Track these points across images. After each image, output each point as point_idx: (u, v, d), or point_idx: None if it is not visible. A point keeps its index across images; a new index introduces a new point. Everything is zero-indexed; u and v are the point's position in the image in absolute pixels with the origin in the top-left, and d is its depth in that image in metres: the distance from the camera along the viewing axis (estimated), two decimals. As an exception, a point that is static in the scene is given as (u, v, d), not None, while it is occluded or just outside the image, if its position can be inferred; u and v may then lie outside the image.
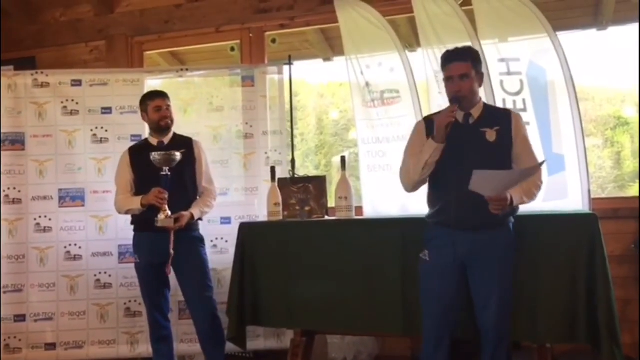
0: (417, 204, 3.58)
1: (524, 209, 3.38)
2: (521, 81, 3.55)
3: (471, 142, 2.63)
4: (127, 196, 3.38)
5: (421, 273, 2.75)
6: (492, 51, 3.59)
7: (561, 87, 3.47)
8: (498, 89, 3.56)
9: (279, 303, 3.23)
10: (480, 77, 2.70)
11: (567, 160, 3.43)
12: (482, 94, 3.47)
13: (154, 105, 3.38)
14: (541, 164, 2.59)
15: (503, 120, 2.67)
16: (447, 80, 2.67)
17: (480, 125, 2.66)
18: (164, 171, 3.17)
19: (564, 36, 3.68)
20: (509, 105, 3.54)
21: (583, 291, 2.64)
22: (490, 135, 2.62)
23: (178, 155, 3.22)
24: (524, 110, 3.52)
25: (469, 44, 3.58)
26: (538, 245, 2.74)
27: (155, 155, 3.16)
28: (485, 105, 2.76)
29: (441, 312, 2.67)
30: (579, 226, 2.72)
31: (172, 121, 3.42)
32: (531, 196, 2.62)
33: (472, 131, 2.65)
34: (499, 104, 3.53)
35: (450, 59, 2.66)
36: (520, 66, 3.56)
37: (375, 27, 3.87)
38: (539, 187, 2.65)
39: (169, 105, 3.42)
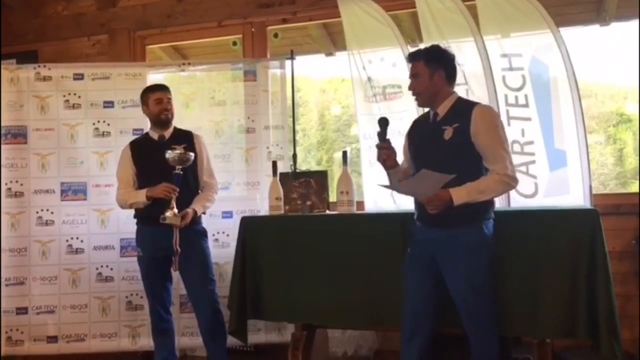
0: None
1: (525, 204, 3.40)
2: (523, 77, 3.55)
3: (432, 140, 2.65)
4: (129, 190, 3.39)
5: (402, 267, 2.79)
6: (494, 47, 3.59)
7: (563, 83, 3.47)
8: (500, 85, 3.56)
9: (280, 297, 3.23)
10: (440, 75, 2.66)
11: (568, 156, 3.43)
12: (484, 88, 3.51)
13: (155, 97, 3.39)
14: (451, 176, 2.49)
15: (464, 116, 2.60)
16: (409, 78, 2.75)
17: (444, 122, 2.64)
18: (177, 170, 3.18)
19: (567, 32, 3.67)
20: (511, 101, 3.54)
21: (583, 286, 2.64)
22: (448, 133, 2.60)
23: (192, 155, 3.24)
24: (526, 105, 3.52)
25: (471, 39, 3.60)
26: (539, 240, 2.73)
27: (170, 154, 3.17)
28: (457, 100, 2.71)
29: (415, 305, 2.71)
30: (580, 222, 2.71)
31: (172, 115, 3.43)
32: (489, 193, 2.55)
33: (435, 129, 2.66)
34: (501, 100, 3.53)
35: (407, 59, 2.77)
36: (522, 62, 3.55)
37: (377, 22, 3.86)
38: (504, 183, 2.57)
39: (169, 99, 3.42)
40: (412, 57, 2.73)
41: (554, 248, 2.70)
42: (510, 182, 2.58)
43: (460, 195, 2.51)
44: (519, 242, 2.74)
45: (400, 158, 2.85)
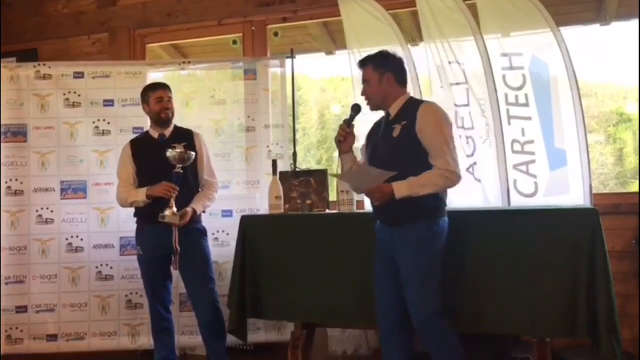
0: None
1: (525, 203, 3.40)
2: (523, 76, 3.54)
3: (384, 139, 2.76)
4: (130, 189, 3.39)
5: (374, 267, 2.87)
6: (494, 46, 3.59)
7: (564, 83, 3.46)
8: (500, 84, 3.55)
9: (280, 296, 3.23)
10: (389, 78, 2.75)
11: (569, 156, 3.43)
12: (484, 87, 3.50)
13: (156, 96, 3.39)
14: (390, 174, 2.58)
15: (412, 114, 2.68)
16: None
17: (394, 122, 2.74)
18: (177, 169, 3.18)
19: (567, 31, 3.67)
20: (511, 100, 3.54)
21: (583, 286, 2.64)
22: (396, 131, 2.70)
23: (193, 154, 3.24)
24: (526, 105, 3.52)
25: (471, 38, 3.59)
26: (539, 239, 2.74)
27: (171, 153, 3.17)
28: (408, 100, 2.78)
29: (383, 302, 2.80)
30: (580, 221, 2.71)
31: (172, 114, 3.42)
32: (430, 187, 2.60)
33: (387, 128, 2.76)
34: (502, 99, 3.52)
35: (358, 66, 2.86)
36: (522, 61, 3.55)
37: (378, 21, 3.86)
38: (444, 178, 2.62)
39: (170, 97, 3.42)
40: (361, 64, 2.83)
41: (554, 248, 2.71)
42: (451, 177, 2.64)
43: (401, 188, 2.60)
44: (519, 241, 2.75)
45: (359, 156, 2.95)
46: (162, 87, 3.44)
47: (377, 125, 2.89)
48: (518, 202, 3.47)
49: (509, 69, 3.57)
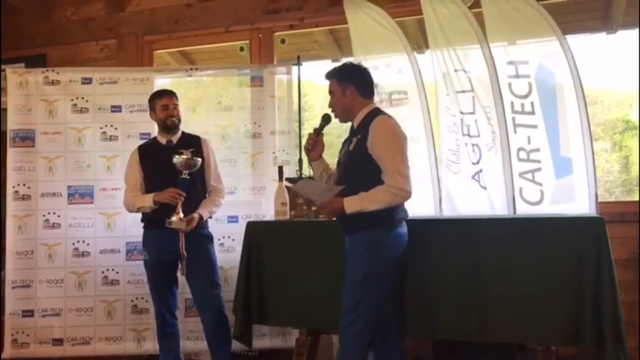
0: (425, 205, 3.62)
1: (531, 211, 3.40)
2: (529, 84, 3.55)
3: (345, 151, 2.80)
4: (137, 194, 3.40)
5: None
6: (500, 54, 3.59)
7: (570, 91, 3.47)
8: (506, 92, 3.56)
9: (285, 302, 3.24)
10: (351, 90, 2.77)
11: (574, 164, 3.43)
12: (490, 95, 3.51)
13: (162, 103, 3.41)
14: (341, 187, 2.66)
15: (366, 128, 2.69)
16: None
17: (354, 134, 2.77)
18: (184, 174, 3.20)
19: (573, 39, 3.68)
20: (517, 108, 3.55)
21: (589, 294, 2.63)
22: (352, 143, 2.73)
23: (199, 160, 3.26)
24: (532, 113, 3.53)
25: (477, 46, 3.60)
26: (544, 247, 2.73)
27: (177, 159, 3.19)
28: (369, 113, 2.77)
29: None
30: (585, 229, 2.70)
31: (179, 120, 3.44)
32: (378, 203, 2.60)
33: (349, 140, 2.80)
34: (507, 107, 3.53)
35: (325, 78, 2.89)
36: (528, 69, 3.56)
37: (384, 29, 3.87)
38: (391, 194, 2.60)
39: (176, 104, 3.44)
40: (326, 77, 2.87)
41: (560, 256, 2.70)
42: (399, 194, 2.61)
43: (352, 204, 2.63)
44: (524, 249, 2.74)
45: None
46: (167, 94, 3.46)
47: (347, 137, 2.94)
48: (523, 209, 3.47)
49: (514, 76, 3.58)
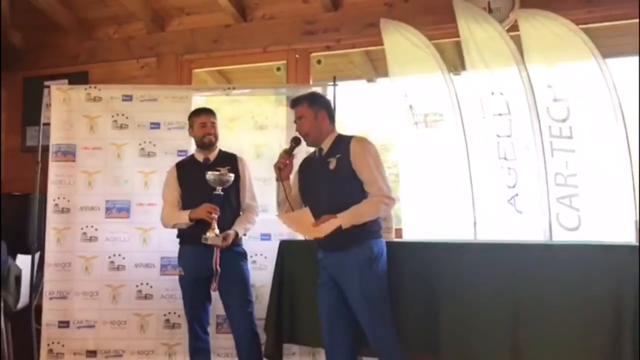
0: (459, 229, 3.59)
1: (568, 237, 3.34)
2: (568, 108, 3.51)
3: (319, 172, 2.95)
4: (174, 210, 3.46)
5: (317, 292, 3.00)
6: (538, 76, 3.57)
7: (609, 115, 3.41)
8: (544, 115, 3.53)
9: (315, 322, 3.20)
10: (322, 115, 2.98)
11: (614, 189, 3.36)
12: (527, 119, 3.48)
13: (200, 121, 3.47)
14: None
15: (344, 147, 2.89)
16: (294, 122, 3.06)
17: (328, 156, 2.94)
18: (217, 190, 3.25)
19: (613, 62, 3.62)
20: (555, 132, 3.51)
21: (628, 324, 2.55)
22: (332, 163, 2.90)
23: (232, 176, 3.30)
24: (570, 137, 3.48)
25: (514, 69, 3.59)
26: (581, 275, 2.66)
27: (210, 175, 3.24)
28: (338, 136, 3.00)
29: (327, 326, 2.96)
30: (624, 257, 2.62)
31: (215, 138, 3.50)
32: (370, 214, 2.82)
33: (321, 162, 2.96)
34: (545, 131, 3.49)
35: (290, 105, 3.11)
36: (567, 93, 3.52)
37: (420, 50, 3.89)
38: (381, 203, 2.83)
39: (213, 122, 3.50)
40: (294, 103, 3.06)
41: (597, 284, 2.63)
42: (385, 201, 2.85)
43: (347, 218, 2.78)
44: (560, 276, 2.68)
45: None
46: (205, 112, 3.52)
47: (307, 161, 3.11)
48: (560, 235, 3.41)
49: (552, 100, 3.55)
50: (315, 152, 3.06)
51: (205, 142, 3.47)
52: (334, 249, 2.87)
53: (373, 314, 2.81)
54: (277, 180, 3.05)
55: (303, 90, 4.11)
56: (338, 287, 2.90)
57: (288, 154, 3.03)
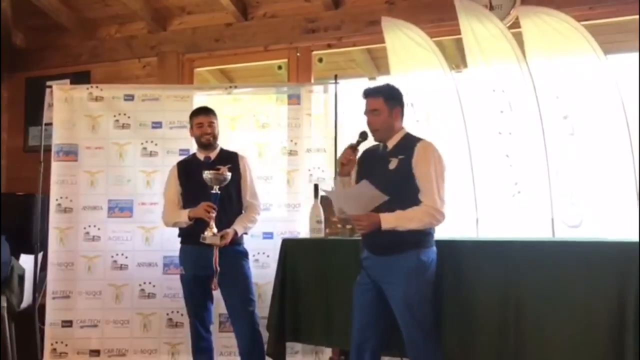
0: (462, 226, 3.58)
1: (571, 234, 3.33)
2: (569, 105, 3.49)
3: (377, 168, 2.82)
4: (174, 209, 3.46)
5: (353, 291, 2.92)
6: (540, 73, 3.55)
7: (612, 111, 3.40)
8: (546, 112, 3.51)
9: (318, 320, 3.23)
10: (397, 112, 2.85)
11: (617, 186, 3.34)
12: (529, 115, 3.47)
13: (197, 122, 3.48)
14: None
15: (409, 149, 2.77)
16: (364, 114, 2.88)
17: (391, 154, 2.82)
18: (215, 190, 3.24)
19: (615, 59, 3.61)
20: (557, 129, 3.49)
21: (630, 322, 2.52)
22: (393, 163, 2.78)
23: (229, 175, 3.29)
24: (573, 134, 3.47)
25: (516, 65, 3.57)
26: (584, 271, 2.64)
27: (207, 175, 3.24)
28: (405, 135, 2.87)
29: (359, 327, 2.85)
30: (627, 253, 2.59)
31: (214, 137, 3.49)
32: (415, 222, 2.70)
33: (382, 159, 2.83)
34: (547, 128, 3.48)
35: (364, 94, 2.89)
36: (568, 89, 3.50)
37: (421, 48, 3.87)
38: (430, 215, 2.70)
39: (211, 122, 3.48)
40: (368, 94, 2.87)
41: (600, 280, 2.60)
42: (436, 215, 2.71)
43: (389, 220, 2.68)
44: (563, 272, 2.67)
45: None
46: (202, 112, 3.51)
47: (369, 153, 2.95)
48: (563, 232, 3.40)
49: (554, 97, 3.53)
50: (379, 146, 2.92)
51: (203, 142, 3.48)
52: (381, 252, 2.76)
53: (414, 322, 2.71)
54: (337, 175, 2.93)
55: (304, 89, 4.14)
56: (377, 290, 2.80)
57: (353, 149, 2.86)
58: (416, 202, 2.72)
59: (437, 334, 2.80)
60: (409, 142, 2.81)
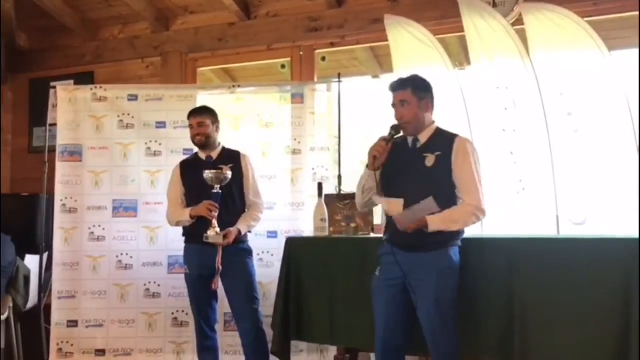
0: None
1: (576, 231, 3.32)
2: (573, 101, 3.48)
3: (413, 166, 2.73)
4: (177, 208, 3.47)
5: (372, 288, 2.84)
6: (544, 70, 3.53)
7: (616, 107, 3.38)
8: (550, 109, 3.50)
9: (323, 319, 3.23)
10: (426, 104, 2.75)
11: (622, 183, 3.32)
12: (533, 112, 3.46)
13: (189, 123, 3.51)
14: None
15: (446, 145, 2.69)
16: (392, 107, 2.78)
17: (425, 150, 2.73)
18: (216, 189, 3.25)
19: (619, 55, 3.60)
20: (561, 126, 3.48)
21: (635, 321, 2.53)
22: (430, 160, 2.69)
23: (229, 174, 3.30)
24: (577, 131, 3.45)
25: (520, 62, 3.56)
26: (589, 269, 2.64)
27: (207, 174, 3.24)
28: (437, 130, 2.78)
29: (385, 326, 2.76)
30: (632, 251, 2.59)
31: (206, 137, 3.47)
32: (461, 223, 2.68)
33: (416, 156, 2.74)
34: (551, 124, 3.47)
35: (392, 87, 2.80)
36: (572, 86, 3.48)
37: (425, 46, 3.86)
38: (474, 215, 2.67)
39: (200, 123, 3.46)
40: (398, 85, 2.77)
41: (605, 278, 2.60)
42: (479, 215, 2.68)
43: (435, 222, 2.61)
44: (568, 270, 2.66)
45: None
46: (192, 113, 3.51)
47: (395, 148, 2.79)
48: (568, 229, 3.39)
49: (558, 94, 3.52)
50: (407, 140, 2.81)
51: (196, 143, 3.49)
52: (411, 248, 2.68)
53: (442, 321, 2.66)
54: (367, 167, 2.76)
55: (307, 87, 4.14)
56: (403, 286, 2.72)
57: (387, 142, 2.73)
58: (452, 198, 2.68)
59: (457, 333, 2.73)
60: (444, 138, 2.73)
